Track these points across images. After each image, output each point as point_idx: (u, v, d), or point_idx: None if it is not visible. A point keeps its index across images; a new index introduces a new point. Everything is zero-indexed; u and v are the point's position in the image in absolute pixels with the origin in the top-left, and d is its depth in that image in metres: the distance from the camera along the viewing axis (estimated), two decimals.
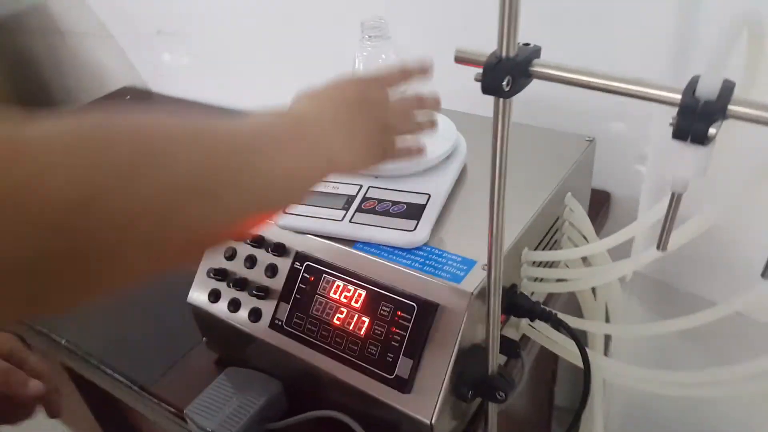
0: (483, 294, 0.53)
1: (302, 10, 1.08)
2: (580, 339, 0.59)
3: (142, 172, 0.31)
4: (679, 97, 0.33)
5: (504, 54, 0.37)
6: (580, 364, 0.62)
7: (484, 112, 0.80)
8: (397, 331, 0.54)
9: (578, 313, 0.69)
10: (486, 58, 0.37)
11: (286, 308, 0.60)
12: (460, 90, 0.92)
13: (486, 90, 0.37)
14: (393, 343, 0.53)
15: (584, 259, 0.67)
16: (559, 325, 0.60)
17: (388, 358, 0.53)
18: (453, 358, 0.51)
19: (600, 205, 0.89)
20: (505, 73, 0.36)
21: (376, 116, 0.52)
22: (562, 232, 0.71)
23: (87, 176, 0.29)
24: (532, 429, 1.04)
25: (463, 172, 0.68)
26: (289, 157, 0.43)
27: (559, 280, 0.65)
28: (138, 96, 1.47)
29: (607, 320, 0.71)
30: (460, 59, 0.39)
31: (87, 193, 0.28)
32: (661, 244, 0.39)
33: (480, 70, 0.38)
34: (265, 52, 1.19)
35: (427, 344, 0.52)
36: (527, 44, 0.39)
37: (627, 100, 0.83)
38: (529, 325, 0.65)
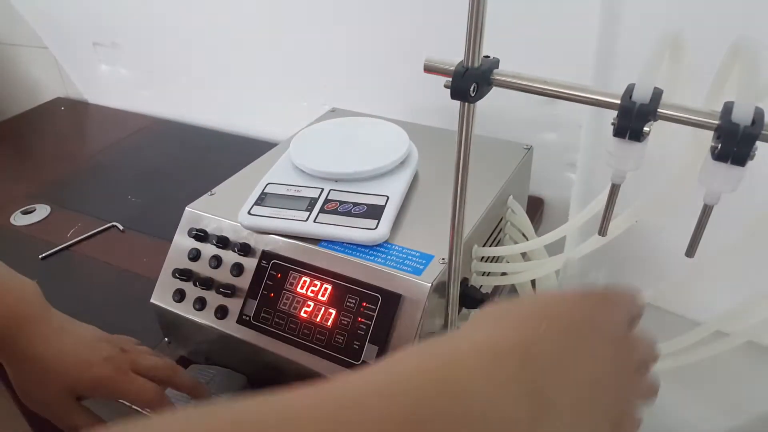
0: (440, 286, 0.58)
1: (240, 21, 1.10)
2: None
3: None
4: (618, 101, 0.40)
5: (470, 64, 0.42)
6: None
7: (430, 123, 0.87)
8: (363, 320, 0.58)
9: None
10: (454, 68, 0.42)
11: (253, 304, 0.62)
12: (410, 103, 0.98)
13: (454, 95, 0.42)
14: (359, 331, 0.57)
15: (524, 255, 0.73)
16: None
17: (354, 346, 0.57)
18: (415, 343, 0.56)
19: (535, 210, 0.96)
20: (472, 81, 0.42)
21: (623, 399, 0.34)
22: (505, 231, 0.77)
23: None
24: None
25: (414, 177, 0.73)
26: None
27: (503, 274, 0.71)
28: (73, 107, 1.45)
29: None
30: (429, 68, 0.44)
31: None
32: (602, 230, 0.45)
33: (447, 79, 0.43)
34: (208, 63, 1.21)
35: (391, 332, 0.57)
36: (487, 56, 0.44)
37: (559, 112, 0.91)
38: None
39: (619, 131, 0.39)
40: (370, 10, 0.95)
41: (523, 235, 0.76)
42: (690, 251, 0.42)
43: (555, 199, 1.00)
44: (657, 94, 0.39)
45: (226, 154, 1.16)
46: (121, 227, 0.95)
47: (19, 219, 0.99)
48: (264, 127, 1.20)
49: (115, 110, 1.40)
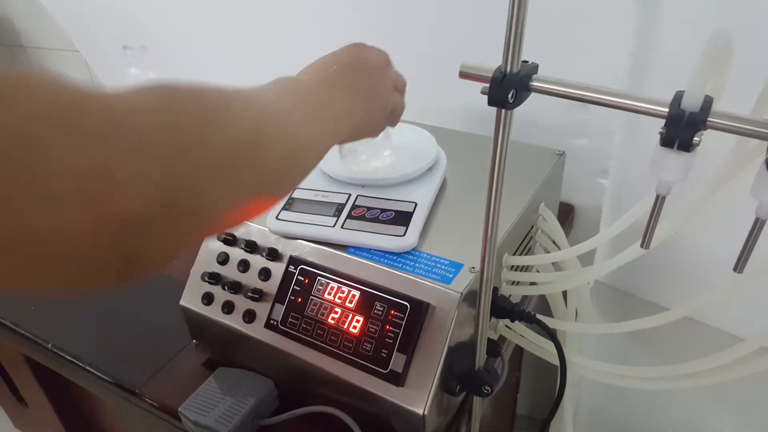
0: (470, 295, 0.57)
1: (273, 24, 1.10)
2: (557, 338, 0.63)
3: (221, 123, 0.33)
4: (665, 109, 0.38)
5: (509, 69, 0.41)
6: (554, 361, 0.66)
7: (453, 126, 0.86)
8: (391, 328, 0.56)
9: (548, 315, 0.74)
10: (492, 74, 0.41)
11: (281, 309, 0.62)
12: (441, 108, 0.97)
13: (492, 102, 0.41)
14: (387, 339, 0.56)
15: (555, 264, 0.72)
16: (537, 326, 0.64)
17: (382, 354, 0.56)
18: (444, 353, 0.55)
19: (565, 217, 0.94)
20: (510, 88, 0.40)
21: (376, 78, 0.56)
22: (535, 239, 0.76)
23: (180, 125, 0.31)
24: None
25: (443, 183, 0.72)
26: (305, 120, 0.43)
27: (532, 284, 0.70)
28: None
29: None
30: (465, 75, 0.43)
31: (182, 141, 0.30)
32: (645, 242, 0.43)
33: (484, 85, 0.42)
34: (236, 67, 1.21)
35: (419, 341, 0.56)
36: (526, 61, 0.43)
37: (591, 117, 0.89)
38: (506, 326, 0.69)
39: (667, 141, 0.37)
40: (388, 9, 0.94)
41: (554, 243, 0.75)
42: (740, 266, 0.41)
43: (586, 206, 0.98)
44: (707, 103, 0.37)
45: None
46: None
47: None
48: None
49: None
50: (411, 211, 0.64)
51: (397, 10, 0.94)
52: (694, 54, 0.38)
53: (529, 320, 0.63)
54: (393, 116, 0.60)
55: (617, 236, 0.63)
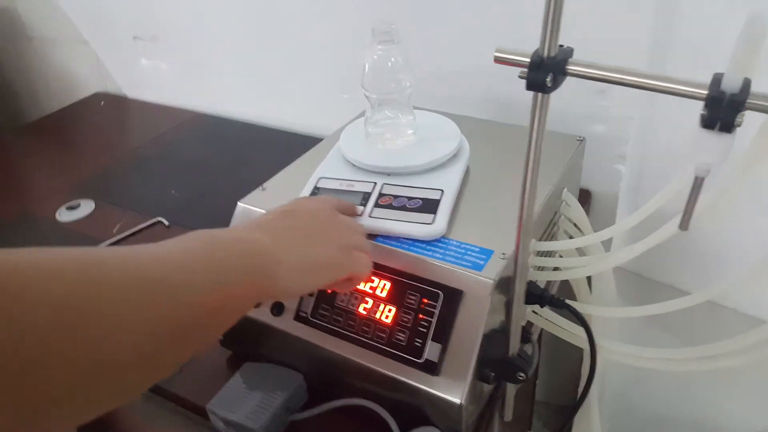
0: (502, 281, 0.57)
1: (281, 10, 1.10)
2: (587, 322, 0.64)
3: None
4: (704, 92, 0.38)
5: (546, 54, 0.41)
6: (581, 345, 0.66)
7: (471, 113, 0.85)
8: (424, 317, 0.57)
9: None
10: (530, 58, 0.41)
11: (310, 301, 0.62)
12: (456, 95, 0.96)
13: (531, 86, 0.41)
14: (420, 329, 0.56)
15: (578, 249, 0.72)
16: (566, 310, 0.64)
17: (416, 344, 0.56)
18: (479, 341, 0.55)
19: (582, 203, 0.94)
20: (548, 72, 0.40)
21: (316, 223, 0.54)
22: (559, 225, 0.76)
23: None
24: (514, 422, 1.08)
25: (466, 170, 0.72)
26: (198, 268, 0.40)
27: (555, 269, 0.70)
28: (113, 102, 1.46)
29: None
30: (501, 59, 0.43)
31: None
32: (684, 223, 0.43)
33: (522, 69, 0.41)
34: (247, 57, 1.21)
35: (453, 329, 0.56)
36: (561, 45, 0.43)
37: (609, 104, 0.88)
38: (534, 312, 0.69)
39: (709, 122, 0.37)
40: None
41: (578, 228, 0.75)
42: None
43: (603, 192, 0.98)
44: (747, 84, 0.37)
45: (268, 148, 1.16)
46: (166, 222, 0.95)
47: (64, 215, 1.00)
48: (305, 121, 1.19)
49: (154, 105, 1.41)
50: (438, 198, 0.64)
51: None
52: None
53: (559, 305, 0.63)
54: (356, 264, 0.54)
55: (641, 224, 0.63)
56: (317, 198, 0.60)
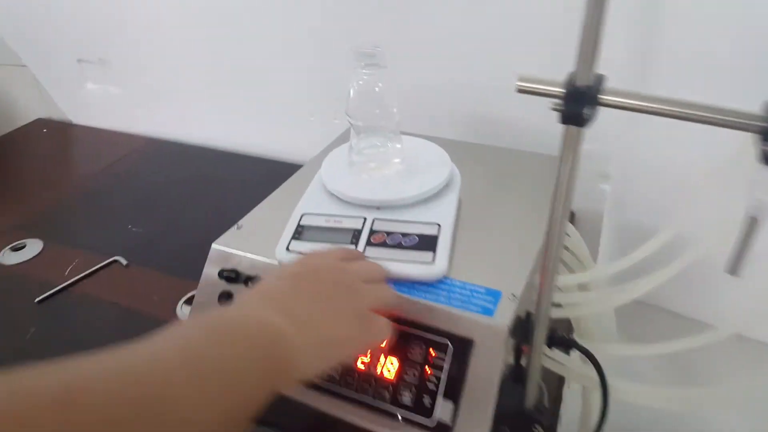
0: (515, 327, 0.52)
1: (240, 29, 1.03)
2: (600, 364, 0.59)
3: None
4: (761, 124, 0.34)
5: (581, 83, 0.36)
6: (591, 386, 0.62)
7: (445, 135, 0.80)
8: (433, 372, 0.51)
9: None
10: (565, 88, 0.36)
11: None
12: (436, 116, 0.91)
13: (567, 120, 0.36)
14: (429, 385, 0.51)
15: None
16: (576, 350, 0.59)
17: (425, 402, 0.50)
18: (495, 396, 0.49)
19: None
20: (584, 102, 0.35)
21: (347, 301, 0.48)
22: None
23: None
24: None
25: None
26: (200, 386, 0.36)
27: (555, 305, 0.65)
28: (56, 129, 1.36)
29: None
30: (525, 90, 0.38)
31: None
32: (732, 268, 0.39)
33: (553, 101, 0.36)
34: (206, 77, 1.13)
35: (465, 384, 0.50)
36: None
37: (593, 123, 0.85)
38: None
39: None
40: (379, 17, 0.89)
41: (577, 258, 0.70)
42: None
43: (586, 211, 0.95)
44: None
45: (232, 175, 1.09)
46: (124, 262, 0.87)
47: (8, 257, 0.90)
48: (271, 145, 1.12)
49: (103, 131, 1.31)
50: (435, 234, 0.59)
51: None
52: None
53: (568, 346, 0.59)
54: (373, 333, 0.49)
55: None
56: (321, 254, 0.54)
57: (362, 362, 0.53)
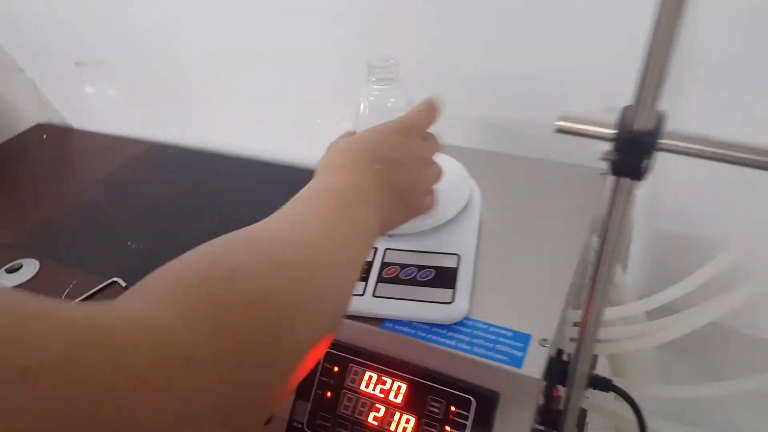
0: (547, 371, 0.46)
1: (242, 28, 0.97)
2: (638, 405, 0.53)
3: (288, 328, 0.32)
4: None
5: (639, 126, 0.29)
6: (625, 426, 0.56)
7: (454, 141, 0.74)
8: (453, 430, 0.45)
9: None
10: (617, 131, 0.29)
11: (305, 408, 0.50)
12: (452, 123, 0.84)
13: (620, 171, 0.29)
14: None
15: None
16: (613, 391, 0.53)
17: None
18: None
19: None
20: (644, 152, 0.29)
21: (413, 173, 0.49)
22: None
23: (245, 350, 0.30)
24: None
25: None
26: (344, 242, 0.40)
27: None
28: (56, 134, 1.31)
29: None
30: (566, 130, 0.31)
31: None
32: None
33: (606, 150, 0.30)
34: (208, 78, 1.07)
35: None
36: None
37: None
38: None
39: None
40: (386, 16, 0.82)
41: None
42: None
43: None
44: None
45: (239, 181, 1.02)
46: (123, 283, 0.82)
47: (4, 279, 0.86)
48: (276, 148, 1.06)
49: (103, 135, 1.26)
50: (455, 266, 0.53)
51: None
52: None
53: (605, 388, 0.53)
54: (424, 208, 0.52)
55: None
56: (386, 127, 0.50)
57: (374, 417, 0.48)
